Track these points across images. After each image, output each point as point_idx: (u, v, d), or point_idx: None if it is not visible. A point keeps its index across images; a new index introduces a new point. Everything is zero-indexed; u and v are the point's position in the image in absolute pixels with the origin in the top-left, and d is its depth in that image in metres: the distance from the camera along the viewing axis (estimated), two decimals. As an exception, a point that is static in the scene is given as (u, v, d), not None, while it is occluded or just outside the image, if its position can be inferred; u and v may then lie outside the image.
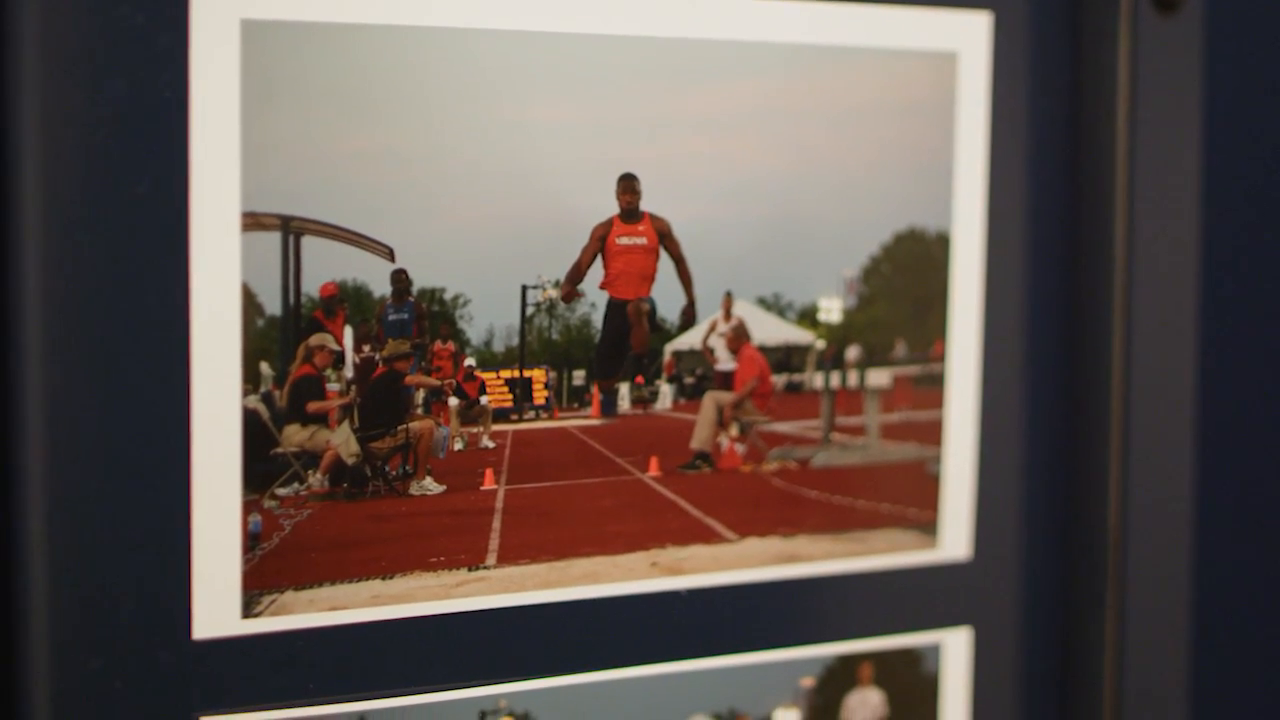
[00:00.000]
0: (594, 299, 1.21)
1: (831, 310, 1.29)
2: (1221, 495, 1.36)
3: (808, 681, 1.30)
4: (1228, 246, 1.35)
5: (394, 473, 1.17)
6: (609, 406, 1.24)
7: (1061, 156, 1.34)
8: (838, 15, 1.25)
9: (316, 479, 1.14)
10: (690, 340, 1.26)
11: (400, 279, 1.15)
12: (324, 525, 1.14)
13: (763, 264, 1.26)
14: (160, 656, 1.09)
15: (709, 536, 1.26)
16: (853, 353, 1.30)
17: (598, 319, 1.22)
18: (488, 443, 1.20)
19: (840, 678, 1.31)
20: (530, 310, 1.19)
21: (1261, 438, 1.38)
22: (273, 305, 1.11)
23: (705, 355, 1.27)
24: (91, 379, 1.06)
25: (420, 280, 1.15)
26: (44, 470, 1.05)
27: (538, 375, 1.21)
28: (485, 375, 1.20)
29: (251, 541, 1.11)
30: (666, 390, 1.26)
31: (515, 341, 1.19)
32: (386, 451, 1.17)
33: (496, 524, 1.19)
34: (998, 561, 1.36)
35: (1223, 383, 1.36)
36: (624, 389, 1.25)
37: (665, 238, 1.23)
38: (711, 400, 1.27)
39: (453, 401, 1.19)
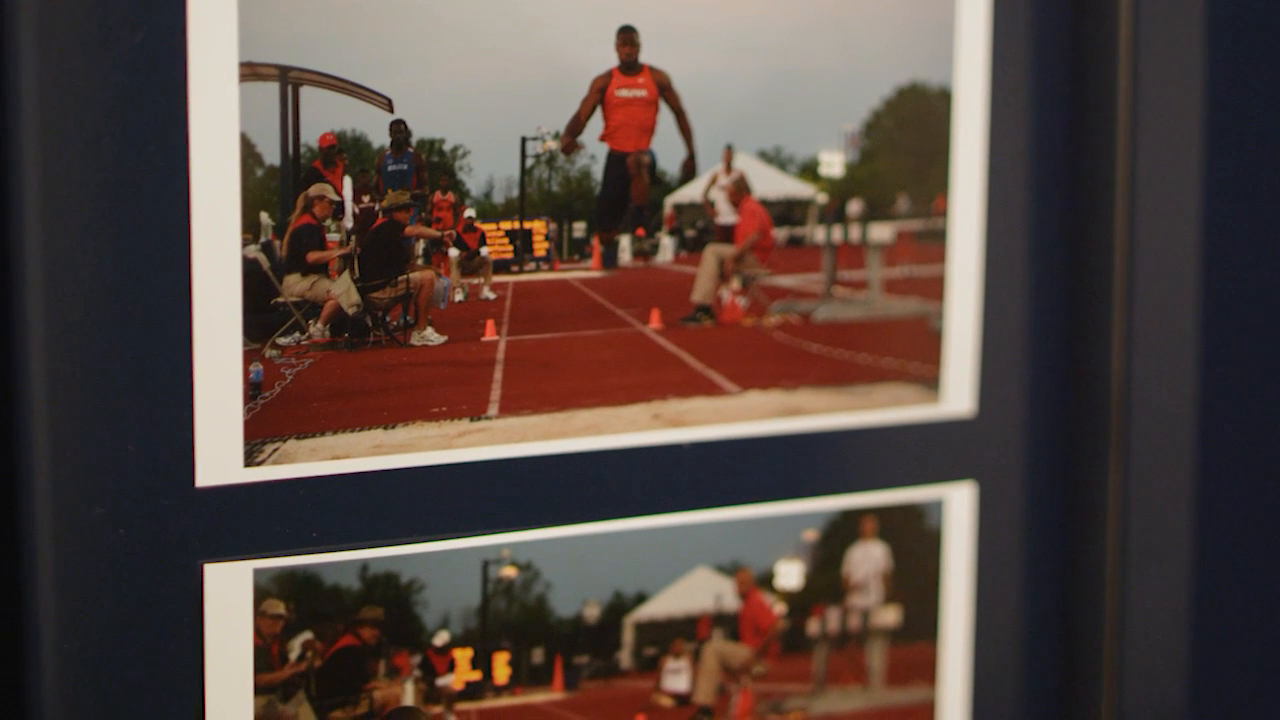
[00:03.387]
0: (594, 151, 1.21)
1: (833, 164, 1.28)
2: (1226, 343, 1.36)
3: (810, 535, 1.31)
4: (1233, 91, 1.34)
5: (395, 323, 1.17)
6: (610, 259, 1.24)
7: (1066, 7, 1.33)
8: None
9: (317, 329, 1.14)
10: (691, 193, 1.26)
11: (399, 129, 1.14)
12: (325, 375, 1.14)
13: (763, 117, 1.25)
14: (163, 504, 1.10)
15: (711, 389, 1.26)
16: (854, 207, 1.30)
17: (598, 171, 1.22)
18: (488, 294, 1.20)
19: (843, 531, 1.32)
20: (530, 162, 1.19)
21: (1268, 285, 1.38)
22: (272, 156, 1.11)
23: (706, 208, 1.26)
24: (91, 229, 1.06)
25: (419, 131, 1.15)
26: (45, 321, 1.05)
27: (538, 227, 1.21)
28: (485, 226, 1.19)
29: (253, 390, 1.11)
30: (667, 243, 1.26)
31: (515, 193, 1.19)
32: (387, 302, 1.17)
33: (498, 375, 1.19)
34: (1001, 417, 1.36)
35: (1228, 230, 1.35)
36: (625, 241, 1.24)
37: (665, 90, 1.22)
38: (713, 253, 1.27)
39: (453, 253, 1.19)
